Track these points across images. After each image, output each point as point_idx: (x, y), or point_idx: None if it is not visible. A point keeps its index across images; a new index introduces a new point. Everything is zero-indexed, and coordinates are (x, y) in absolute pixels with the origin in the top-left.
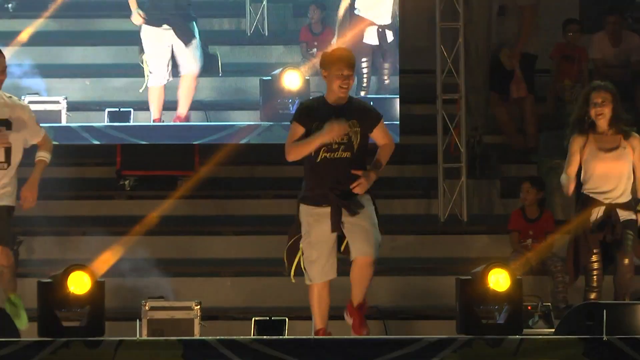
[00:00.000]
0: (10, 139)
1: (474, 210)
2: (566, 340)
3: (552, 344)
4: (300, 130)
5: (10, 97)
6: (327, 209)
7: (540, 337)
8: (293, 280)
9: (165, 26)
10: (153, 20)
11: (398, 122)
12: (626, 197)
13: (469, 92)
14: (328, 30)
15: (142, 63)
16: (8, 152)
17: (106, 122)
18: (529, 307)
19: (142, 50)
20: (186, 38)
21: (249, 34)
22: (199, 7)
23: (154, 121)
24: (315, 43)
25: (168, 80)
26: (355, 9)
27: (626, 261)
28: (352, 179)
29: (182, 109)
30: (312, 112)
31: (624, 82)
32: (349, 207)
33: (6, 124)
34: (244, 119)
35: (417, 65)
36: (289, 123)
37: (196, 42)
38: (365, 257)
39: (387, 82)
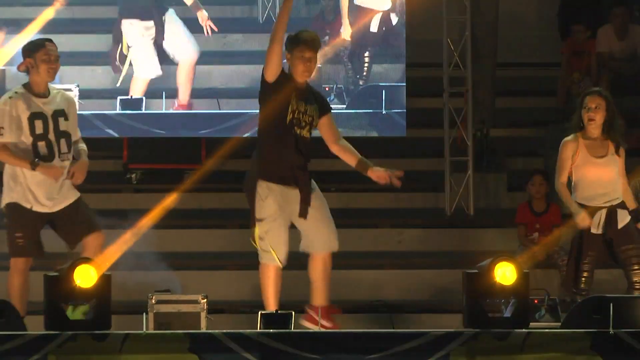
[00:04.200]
0: (69, 129)
1: (481, 204)
2: (573, 333)
3: (558, 338)
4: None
5: (59, 90)
6: (294, 191)
7: (547, 330)
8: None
9: (147, 20)
10: (134, 13)
11: (404, 111)
12: (620, 199)
13: (476, 85)
14: (340, 18)
15: (119, 56)
16: (69, 142)
17: (118, 110)
18: (536, 301)
19: (116, 42)
20: (170, 28)
21: (261, 22)
22: None
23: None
24: (327, 31)
25: (157, 75)
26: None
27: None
28: (307, 160)
29: (183, 95)
30: (288, 82)
31: (631, 75)
32: (307, 199)
33: (63, 114)
34: (255, 107)
35: (424, 59)
36: None
37: (182, 29)
38: (331, 251)
39: (393, 69)
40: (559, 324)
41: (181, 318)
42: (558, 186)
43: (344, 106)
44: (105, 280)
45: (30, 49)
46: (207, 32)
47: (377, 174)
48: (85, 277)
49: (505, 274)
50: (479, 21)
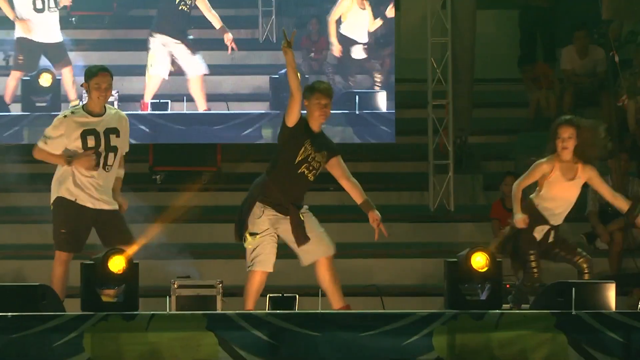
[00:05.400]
0: (119, 144)
1: (460, 201)
2: (540, 314)
3: (527, 318)
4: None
5: (117, 110)
6: (285, 219)
7: (517, 311)
8: (246, 245)
9: (175, 38)
10: (165, 31)
11: (375, 111)
12: (562, 221)
13: (456, 98)
14: (323, 39)
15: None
16: (115, 156)
17: (149, 111)
18: (508, 286)
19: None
20: (188, 51)
21: (260, 41)
22: (221, 20)
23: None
24: (313, 49)
25: (166, 77)
26: (340, 28)
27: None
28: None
29: (201, 105)
30: (304, 129)
31: (591, 90)
32: (303, 235)
33: (116, 132)
34: (257, 109)
35: (411, 75)
36: None
37: (194, 55)
38: (328, 255)
39: (377, 87)
40: (528, 305)
41: (199, 300)
42: (515, 189)
43: None
44: (134, 267)
45: (87, 75)
46: (230, 50)
47: (374, 217)
48: (116, 265)
49: (481, 262)
50: (459, 42)
